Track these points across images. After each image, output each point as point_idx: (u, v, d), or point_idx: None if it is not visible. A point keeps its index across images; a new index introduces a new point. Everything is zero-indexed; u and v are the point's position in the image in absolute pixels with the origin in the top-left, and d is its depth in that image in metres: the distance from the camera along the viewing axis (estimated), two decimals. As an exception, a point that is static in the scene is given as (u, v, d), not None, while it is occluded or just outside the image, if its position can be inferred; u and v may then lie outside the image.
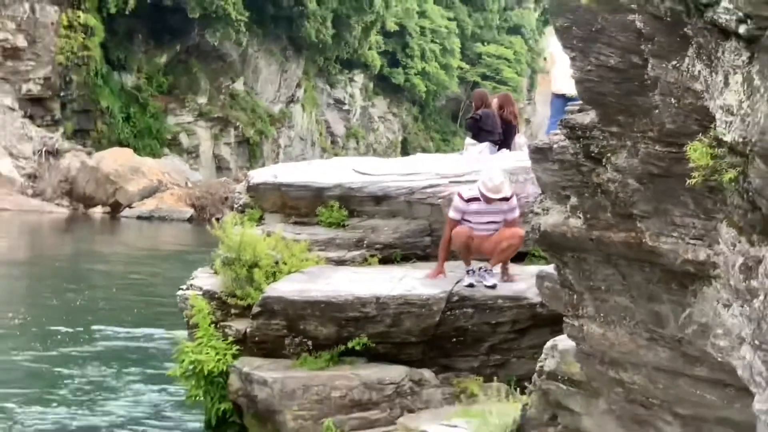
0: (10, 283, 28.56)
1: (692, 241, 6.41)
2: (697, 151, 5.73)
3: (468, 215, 13.04)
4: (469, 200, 13.03)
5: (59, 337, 21.13)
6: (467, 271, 13.00)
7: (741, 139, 5.32)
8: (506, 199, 13.01)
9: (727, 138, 5.41)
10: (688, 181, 5.92)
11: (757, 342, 5.70)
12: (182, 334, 13.54)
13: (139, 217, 44.61)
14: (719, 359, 6.62)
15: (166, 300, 23.24)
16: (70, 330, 22.16)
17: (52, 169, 47.62)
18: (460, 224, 13.04)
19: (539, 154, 7.56)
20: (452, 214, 13.15)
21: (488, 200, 12.92)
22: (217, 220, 14.35)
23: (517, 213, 13.18)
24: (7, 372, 18.06)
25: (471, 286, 12.86)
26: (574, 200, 7.30)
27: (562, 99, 17.42)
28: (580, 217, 7.30)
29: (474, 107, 18.97)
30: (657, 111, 6.08)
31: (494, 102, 19.03)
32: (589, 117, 6.76)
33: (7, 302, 24.89)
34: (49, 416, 15.92)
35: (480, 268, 12.99)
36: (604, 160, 6.76)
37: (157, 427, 16.03)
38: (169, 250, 36.27)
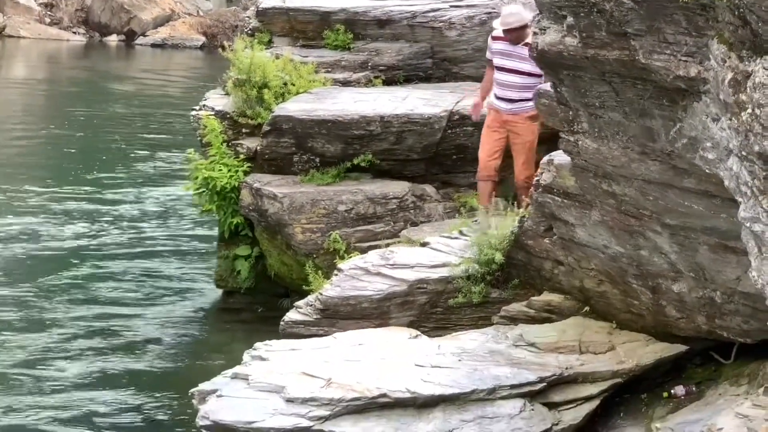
0: (32, 100, 28.96)
1: (684, 58, 6.36)
2: (690, -31, 5.66)
3: (495, 55, 12.01)
4: (495, 38, 12.06)
5: (74, 141, 21.74)
6: (475, 220, 11.25)
7: (734, -44, 5.25)
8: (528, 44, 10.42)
9: (721, -45, 5.34)
10: (681, -2, 5.86)
11: (743, 153, 5.71)
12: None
13: (153, 45, 44.25)
14: (707, 171, 6.64)
15: (180, 119, 23.35)
16: (90, 137, 22.77)
17: (68, -3, 47.09)
18: (491, 65, 12.04)
19: (537, -26, 7.47)
20: (487, 54, 12.31)
21: (507, 36, 11.74)
22: (229, 46, 14.23)
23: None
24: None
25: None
26: (570, 19, 7.22)
27: None
28: (575, 36, 7.23)
29: None
30: (652, -70, 5.99)
31: None
32: (586, -63, 6.65)
33: (33, 114, 25.35)
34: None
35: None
36: (600, -21, 6.67)
37: (174, 237, 16.26)
38: (182, 74, 36.19)
